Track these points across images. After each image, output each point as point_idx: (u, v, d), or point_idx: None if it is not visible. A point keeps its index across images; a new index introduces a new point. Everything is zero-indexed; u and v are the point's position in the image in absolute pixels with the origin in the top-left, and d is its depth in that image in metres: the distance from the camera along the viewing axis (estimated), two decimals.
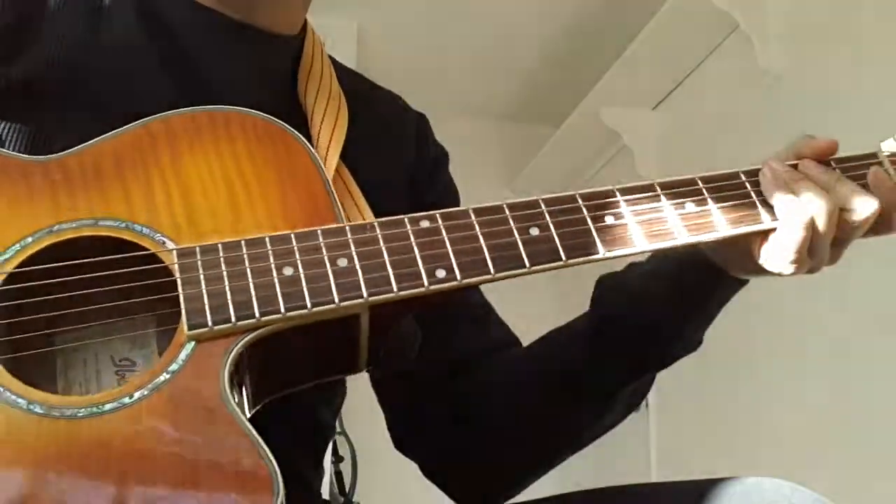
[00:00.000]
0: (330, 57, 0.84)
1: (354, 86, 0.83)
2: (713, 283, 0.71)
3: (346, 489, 2.65)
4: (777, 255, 0.65)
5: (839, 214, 0.64)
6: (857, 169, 0.68)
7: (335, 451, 2.54)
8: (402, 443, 0.83)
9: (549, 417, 0.76)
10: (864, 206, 0.64)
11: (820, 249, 0.65)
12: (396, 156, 0.83)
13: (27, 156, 0.62)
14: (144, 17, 0.72)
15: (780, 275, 0.66)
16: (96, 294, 0.56)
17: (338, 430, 2.45)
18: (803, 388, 2.08)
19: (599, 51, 2.82)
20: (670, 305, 0.71)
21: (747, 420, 2.31)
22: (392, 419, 0.84)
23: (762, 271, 0.67)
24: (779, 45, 2.21)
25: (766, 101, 2.23)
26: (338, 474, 2.62)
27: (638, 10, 2.53)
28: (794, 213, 0.63)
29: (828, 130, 0.70)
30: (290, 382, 0.64)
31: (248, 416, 0.59)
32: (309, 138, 0.70)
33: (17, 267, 0.56)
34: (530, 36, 2.95)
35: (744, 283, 0.72)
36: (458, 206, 0.66)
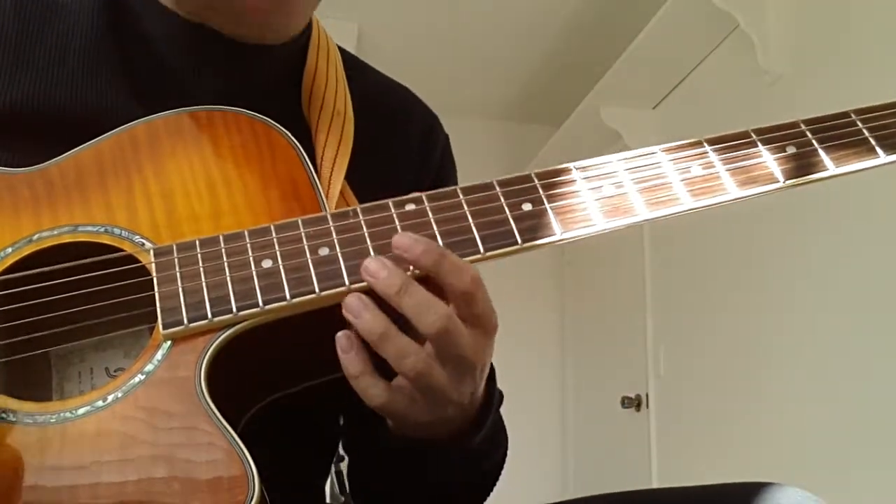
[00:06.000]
0: (342, 51, 0.81)
1: (364, 87, 0.80)
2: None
3: (347, 489, 2.65)
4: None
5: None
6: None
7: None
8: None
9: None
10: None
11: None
12: (400, 171, 0.79)
13: (11, 169, 0.62)
14: (115, 29, 0.71)
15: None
16: (81, 300, 0.55)
17: None
18: (802, 389, 2.07)
19: (599, 51, 2.82)
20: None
21: (747, 420, 2.31)
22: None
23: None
24: (779, 45, 2.21)
25: (766, 101, 2.23)
26: (338, 474, 2.61)
27: (638, 10, 2.53)
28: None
29: None
30: (284, 383, 0.62)
31: (244, 420, 0.59)
32: (312, 156, 0.68)
33: None
34: (531, 36, 2.95)
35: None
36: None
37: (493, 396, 0.64)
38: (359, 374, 0.55)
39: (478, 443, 0.63)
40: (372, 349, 0.55)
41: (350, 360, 0.55)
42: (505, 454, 0.71)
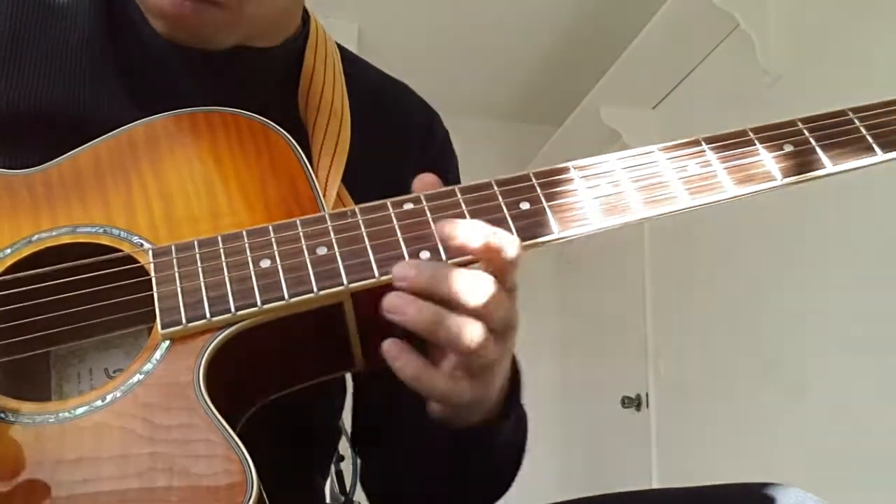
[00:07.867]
0: (342, 49, 0.81)
1: (363, 86, 0.80)
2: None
3: (347, 489, 2.64)
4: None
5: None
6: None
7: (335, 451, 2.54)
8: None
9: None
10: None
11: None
12: (400, 169, 0.77)
13: (10, 171, 0.62)
14: (111, 31, 0.70)
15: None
16: (79, 301, 0.55)
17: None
18: (803, 388, 2.07)
19: (599, 51, 2.82)
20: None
21: (747, 419, 2.31)
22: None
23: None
24: (779, 44, 2.21)
25: (766, 101, 2.23)
26: (338, 474, 2.61)
27: (638, 10, 2.53)
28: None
29: None
30: (283, 382, 0.62)
31: (242, 420, 0.59)
32: (309, 159, 0.68)
33: None
34: (531, 36, 2.95)
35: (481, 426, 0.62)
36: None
37: (518, 373, 0.64)
38: (418, 374, 0.54)
39: (512, 424, 0.63)
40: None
41: (403, 363, 0.54)
42: (525, 443, 0.70)
